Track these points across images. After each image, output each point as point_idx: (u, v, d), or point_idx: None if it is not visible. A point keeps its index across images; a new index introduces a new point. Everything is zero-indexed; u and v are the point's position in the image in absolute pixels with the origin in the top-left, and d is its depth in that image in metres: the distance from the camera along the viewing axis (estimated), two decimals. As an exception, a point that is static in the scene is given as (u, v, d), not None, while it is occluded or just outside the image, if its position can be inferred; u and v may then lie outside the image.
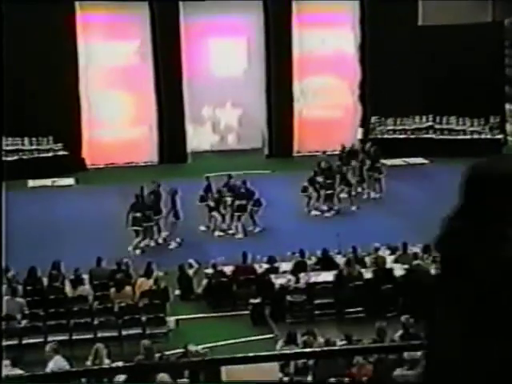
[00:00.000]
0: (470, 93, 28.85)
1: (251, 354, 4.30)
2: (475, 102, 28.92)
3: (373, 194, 25.07)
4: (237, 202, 22.55)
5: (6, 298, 17.19)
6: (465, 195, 2.84)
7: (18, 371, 13.81)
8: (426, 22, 29.42)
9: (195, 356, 14.30)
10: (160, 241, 21.96)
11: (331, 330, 16.46)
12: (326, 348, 12.73)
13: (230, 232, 22.47)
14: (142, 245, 21.78)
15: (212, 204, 22.65)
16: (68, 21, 28.06)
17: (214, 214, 22.65)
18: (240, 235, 22.42)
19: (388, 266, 18.62)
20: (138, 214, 21.63)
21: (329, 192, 23.95)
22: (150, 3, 28.90)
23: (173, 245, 21.81)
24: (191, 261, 19.51)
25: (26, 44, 27.16)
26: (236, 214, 22.57)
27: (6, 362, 14.29)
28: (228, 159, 28.79)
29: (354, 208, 24.21)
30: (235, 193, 22.57)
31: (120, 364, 13.45)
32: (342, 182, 24.07)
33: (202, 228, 22.73)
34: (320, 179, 23.84)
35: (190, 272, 19.16)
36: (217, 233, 22.57)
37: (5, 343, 16.61)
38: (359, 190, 25.10)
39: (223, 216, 22.67)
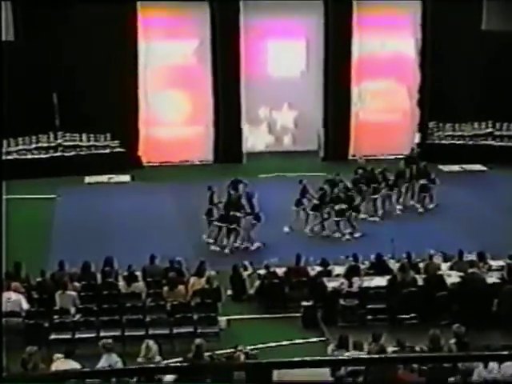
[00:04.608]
0: (531, 100, 28.34)
1: (307, 359, 4.23)
2: (537, 109, 28.41)
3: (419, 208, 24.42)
4: (337, 207, 22.41)
5: (58, 292, 17.39)
6: None
7: (72, 362, 13.96)
8: (490, 26, 28.94)
9: (246, 357, 14.29)
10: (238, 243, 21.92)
11: (383, 335, 16.27)
12: (378, 355, 12.61)
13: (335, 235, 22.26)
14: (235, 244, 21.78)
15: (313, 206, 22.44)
16: (129, 20, 28.27)
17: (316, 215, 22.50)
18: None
19: (443, 272, 18.38)
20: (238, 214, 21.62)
21: (373, 196, 23.74)
22: (210, 4, 29.00)
23: (255, 246, 21.67)
24: (246, 263, 19.48)
25: (87, 42, 27.42)
26: (336, 218, 22.37)
27: (58, 355, 14.46)
28: (283, 160, 28.72)
29: (398, 211, 23.92)
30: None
31: (170, 363, 13.50)
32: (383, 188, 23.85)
33: (308, 232, 22.46)
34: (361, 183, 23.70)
35: (244, 274, 19.14)
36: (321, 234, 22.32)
37: (58, 336, 16.83)
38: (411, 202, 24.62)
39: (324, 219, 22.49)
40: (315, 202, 22.47)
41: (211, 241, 21.86)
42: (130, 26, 28.35)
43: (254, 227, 21.71)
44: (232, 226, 21.56)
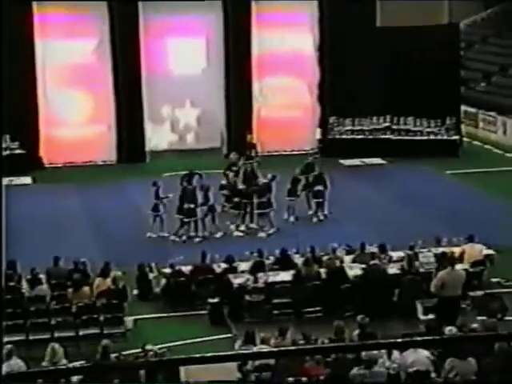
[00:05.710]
0: (426, 94, 29.14)
1: (210, 354, 4.32)
2: (432, 103, 29.22)
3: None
4: (256, 200, 22.54)
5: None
6: None
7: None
8: (384, 23, 29.67)
9: (153, 356, 14.30)
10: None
11: (289, 329, 16.50)
12: (284, 348, 12.80)
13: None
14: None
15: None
16: (25, 19, 27.81)
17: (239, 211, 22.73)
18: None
19: (346, 265, 18.74)
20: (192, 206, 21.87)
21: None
22: (108, 2, 28.76)
23: (218, 234, 21.97)
24: (152, 264, 19.38)
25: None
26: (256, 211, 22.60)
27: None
28: (187, 159, 28.72)
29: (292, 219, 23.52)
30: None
31: (77, 364, 13.40)
32: None
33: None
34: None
35: (150, 275, 19.07)
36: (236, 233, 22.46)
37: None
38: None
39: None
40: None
41: (166, 234, 21.98)
42: (26, 25, 27.90)
43: (214, 219, 22.05)
44: (189, 219, 21.85)
